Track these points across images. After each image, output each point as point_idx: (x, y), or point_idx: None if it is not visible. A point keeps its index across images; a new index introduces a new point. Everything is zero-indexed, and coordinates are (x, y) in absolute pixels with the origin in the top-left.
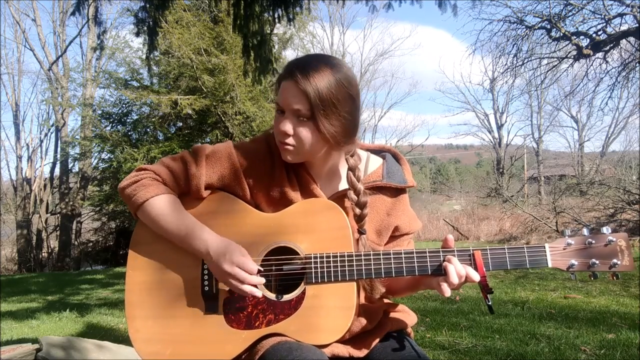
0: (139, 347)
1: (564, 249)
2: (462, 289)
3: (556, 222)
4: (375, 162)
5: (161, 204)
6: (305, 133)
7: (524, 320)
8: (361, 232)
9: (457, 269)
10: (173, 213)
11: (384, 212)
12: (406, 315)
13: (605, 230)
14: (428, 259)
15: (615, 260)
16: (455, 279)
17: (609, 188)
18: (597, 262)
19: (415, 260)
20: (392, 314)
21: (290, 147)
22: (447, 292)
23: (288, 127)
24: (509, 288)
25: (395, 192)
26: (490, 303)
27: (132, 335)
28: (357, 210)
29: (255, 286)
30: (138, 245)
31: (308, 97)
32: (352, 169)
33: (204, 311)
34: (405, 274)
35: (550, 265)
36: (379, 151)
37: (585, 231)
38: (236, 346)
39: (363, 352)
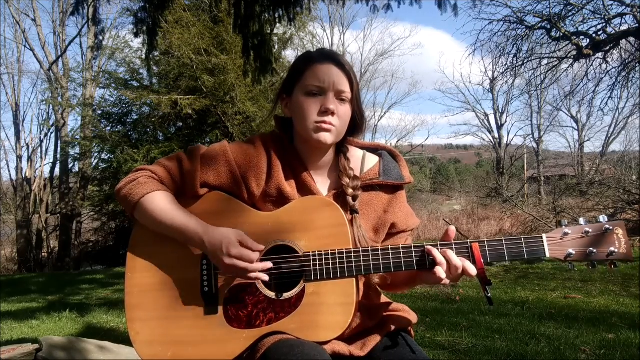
0: (140, 350)
1: (561, 239)
2: (462, 289)
3: (556, 223)
4: (372, 160)
5: (158, 200)
6: (346, 113)
7: (524, 320)
8: (354, 211)
9: (453, 261)
10: (170, 208)
11: (381, 209)
12: (407, 314)
13: (602, 219)
14: (426, 254)
15: (612, 249)
16: (442, 261)
17: (609, 188)
18: (595, 250)
19: (414, 254)
20: (393, 314)
21: (332, 127)
22: (442, 274)
23: (333, 105)
24: (509, 288)
25: (393, 189)
26: (489, 295)
27: (132, 338)
28: (350, 191)
29: (260, 272)
30: (136, 247)
31: (351, 80)
32: (344, 154)
33: (204, 312)
34: (404, 268)
35: (547, 255)
36: (375, 149)
37: (582, 221)
38: (237, 345)
39: (364, 351)
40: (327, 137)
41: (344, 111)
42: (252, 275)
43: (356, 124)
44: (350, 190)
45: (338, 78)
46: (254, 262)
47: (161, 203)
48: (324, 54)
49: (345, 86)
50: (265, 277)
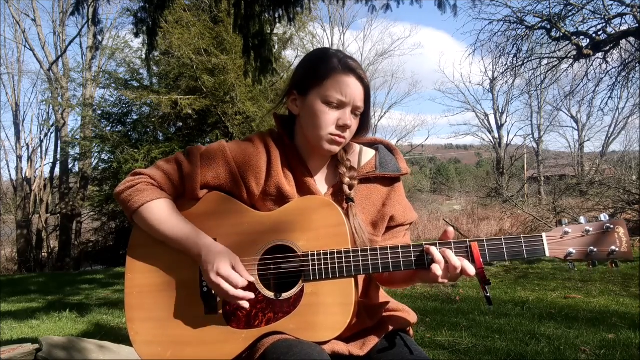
0: (140, 350)
1: (562, 238)
2: (462, 289)
3: (556, 222)
4: (368, 154)
5: (157, 209)
6: (355, 126)
7: (524, 320)
8: (350, 199)
9: (452, 261)
10: (169, 217)
11: (379, 203)
12: (406, 314)
13: (603, 217)
14: (425, 253)
15: (613, 247)
16: (440, 260)
17: (609, 188)
18: (595, 249)
19: (412, 253)
20: (392, 313)
21: (345, 140)
22: (438, 272)
23: (352, 122)
24: (509, 288)
25: (390, 181)
26: (488, 294)
27: (132, 338)
28: (347, 180)
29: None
30: (136, 248)
31: (367, 94)
32: (343, 148)
33: (203, 312)
34: (402, 268)
35: (547, 254)
36: (371, 144)
37: (582, 219)
38: (236, 346)
39: (363, 351)
40: (337, 149)
41: (355, 124)
42: (233, 300)
43: (360, 131)
44: (347, 179)
45: (358, 94)
46: (238, 288)
47: (160, 212)
48: (349, 66)
49: (362, 102)
50: (246, 305)
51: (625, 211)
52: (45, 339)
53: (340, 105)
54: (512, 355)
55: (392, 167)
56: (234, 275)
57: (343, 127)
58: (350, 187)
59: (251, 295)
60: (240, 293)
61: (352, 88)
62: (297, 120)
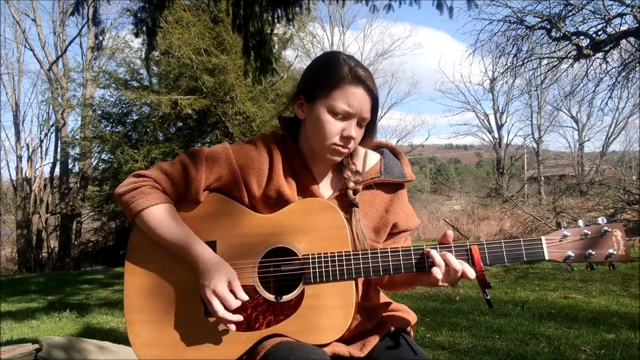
0: (140, 352)
1: (560, 241)
2: (462, 289)
3: (556, 224)
4: (373, 158)
5: (158, 214)
6: (360, 137)
7: (524, 320)
8: (354, 204)
9: (453, 265)
10: (170, 223)
11: (382, 209)
12: (406, 314)
13: (601, 220)
14: (425, 256)
15: (611, 251)
16: (441, 263)
17: (609, 188)
18: (593, 252)
19: (413, 257)
20: (392, 314)
21: (348, 150)
22: (439, 275)
23: (356, 133)
24: (509, 288)
25: (394, 187)
26: (488, 297)
27: (132, 340)
28: (351, 184)
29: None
30: (135, 249)
31: (375, 106)
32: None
33: (203, 314)
34: (403, 271)
35: (547, 257)
36: (376, 147)
37: (580, 223)
38: (237, 348)
39: (363, 352)
40: (339, 159)
41: (360, 134)
42: (221, 321)
43: (365, 139)
44: (351, 184)
45: (365, 105)
46: (230, 309)
47: (161, 218)
48: (359, 76)
49: (368, 113)
50: (232, 328)
51: (625, 211)
52: (45, 339)
53: (347, 117)
54: (512, 355)
55: (396, 173)
56: (228, 297)
57: (347, 139)
58: (355, 192)
59: (240, 318)
60: (229, 316)
61: (360, 99)
62: (302, 125)
